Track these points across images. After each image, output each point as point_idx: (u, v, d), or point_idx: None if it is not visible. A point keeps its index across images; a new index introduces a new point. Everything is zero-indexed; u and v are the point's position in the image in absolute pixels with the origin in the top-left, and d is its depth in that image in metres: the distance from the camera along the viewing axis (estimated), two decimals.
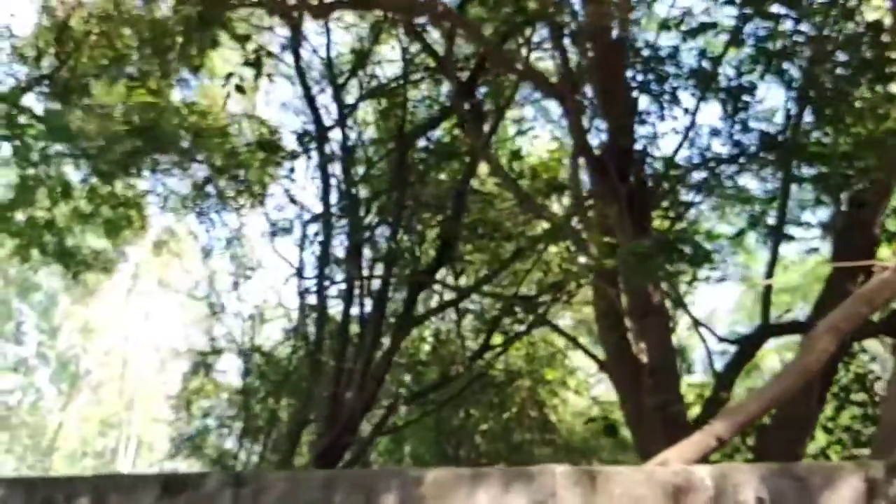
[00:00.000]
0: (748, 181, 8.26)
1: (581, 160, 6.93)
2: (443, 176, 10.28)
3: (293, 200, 11.06)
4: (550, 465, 4.55)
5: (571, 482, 4.40)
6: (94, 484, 4.76)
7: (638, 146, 6.89)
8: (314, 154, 11.46)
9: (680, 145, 7.01)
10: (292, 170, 11.59)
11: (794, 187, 8.33)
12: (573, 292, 9.81)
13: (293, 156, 11.64)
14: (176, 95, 13.07)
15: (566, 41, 7.30)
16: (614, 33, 6.95)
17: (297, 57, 11.01)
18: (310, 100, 10.90)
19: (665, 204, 7.26)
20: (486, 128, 8.81)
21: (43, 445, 36.79)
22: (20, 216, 12.80)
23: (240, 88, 11.80)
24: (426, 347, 11.43)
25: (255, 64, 11.90)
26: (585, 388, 15.90)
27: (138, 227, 13.34)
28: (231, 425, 13.65)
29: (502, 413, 13.39)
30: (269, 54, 11.54)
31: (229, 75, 11.34)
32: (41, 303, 31.55)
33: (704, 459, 4.63)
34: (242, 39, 11.53)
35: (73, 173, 13.22)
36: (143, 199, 13.35)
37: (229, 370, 14.44)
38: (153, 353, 42.65)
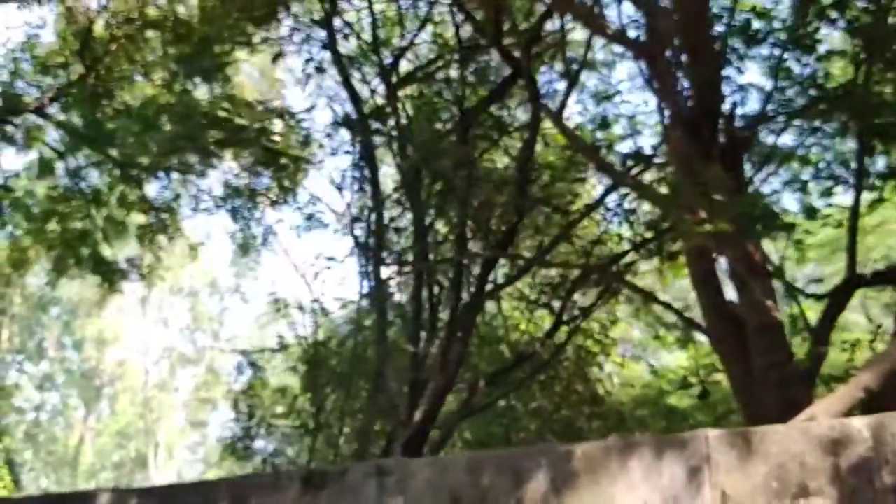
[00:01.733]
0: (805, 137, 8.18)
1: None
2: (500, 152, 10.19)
3: (339, 188, 10.81)
4: (702, 430, 4.48)
5: (726, 445, 4.34)
6: (232, 486, 4.68)
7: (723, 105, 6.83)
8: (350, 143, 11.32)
9: (767, 101, 6.92)
10: (333, 152, 11.39)
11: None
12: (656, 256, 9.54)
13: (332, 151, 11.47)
14: (202, 93, 12.89)
15: None
16: None
17: (333, 40, 10.80)
18: (347, 82, 10.66)
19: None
20: (557, 99, 8.74)
21: (66, 460, 36.66)
22: (54, 228, 12.69)
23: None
24: (497, 326, 11.32)
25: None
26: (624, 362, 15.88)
27: (172, 231, 13.19)
28: (282, 424, 13.54)
29: (551, 389, 13.29)
30: (304, 40, 11.34)
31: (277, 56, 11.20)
32: (61, 317, 31.40)
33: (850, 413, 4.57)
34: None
35: (99, 181, 13.10)
36: (175, 203, 13.20)
37: (277, 368, 14.30)
38: (166, 359, 42.62)
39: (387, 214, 10.40)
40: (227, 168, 13.34)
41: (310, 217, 13.40)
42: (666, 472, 4.37)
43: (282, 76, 16.18)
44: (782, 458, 4.28)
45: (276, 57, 12.37)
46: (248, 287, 41.63)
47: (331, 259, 10.86)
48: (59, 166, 12.56)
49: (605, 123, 9.11)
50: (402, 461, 4.73)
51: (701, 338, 15.09)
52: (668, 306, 9.30)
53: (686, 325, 9.30)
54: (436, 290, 9.84)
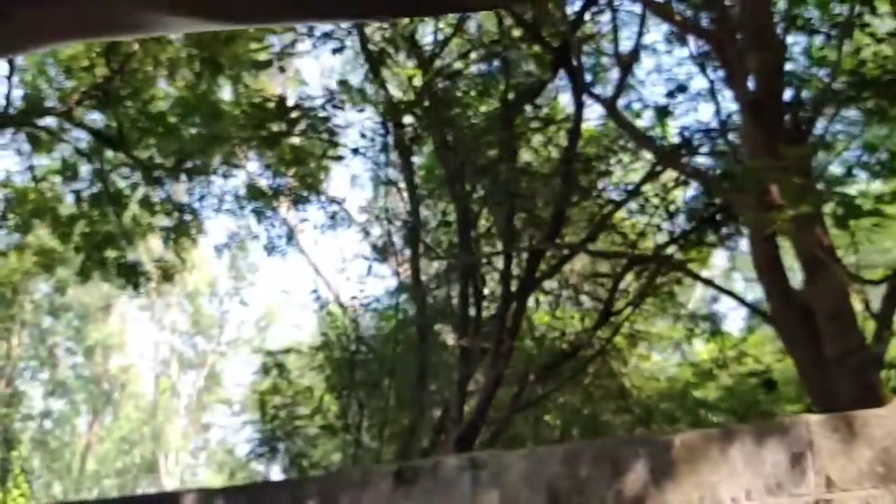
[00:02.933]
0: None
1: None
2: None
3: (380, 182, 10.73)
4: (803, 415, 4.43)
5: (828, 430, 4.29)
6: (321, 484, 4.61)
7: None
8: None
9: (831, 83, 6.87)
10: (355, 151, 11.30)
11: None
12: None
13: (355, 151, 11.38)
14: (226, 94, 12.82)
15: None
16: None
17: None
18: (378, 74, 10.55)
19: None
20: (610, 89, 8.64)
21: (73, 467, 36.52)
22: (80, 230, 12.60)
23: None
24: (544, 318, 11.25)
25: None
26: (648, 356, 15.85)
27: (196, 232, 13.12)
28: (309, 425, 13.47)
29: (577, 383, 13.22)
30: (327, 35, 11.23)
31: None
32: (71, 323, 31.27)
33: None
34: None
35: (123, 183, 13.01)
36: (198, 203, 13.13)
37: (300, 369, 14.23)
38: (168, 364, 42.50)
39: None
40: (251, 167, 13.30)
41: (333, 216, 13.37)
42: (768, 459, 4.31)
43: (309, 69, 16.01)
44: (887, 441, 4.23)
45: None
46: (247, 290, 41.54)
47: (362, 257, 10.82)
48: (84, 169, 12.48)
49: (664, 112, 9.02)
50: (497, 454, 4.65)
51: (729, 328, 15.10)
52: (730, 293, 9.25)
53: (750, 312, 9.19)
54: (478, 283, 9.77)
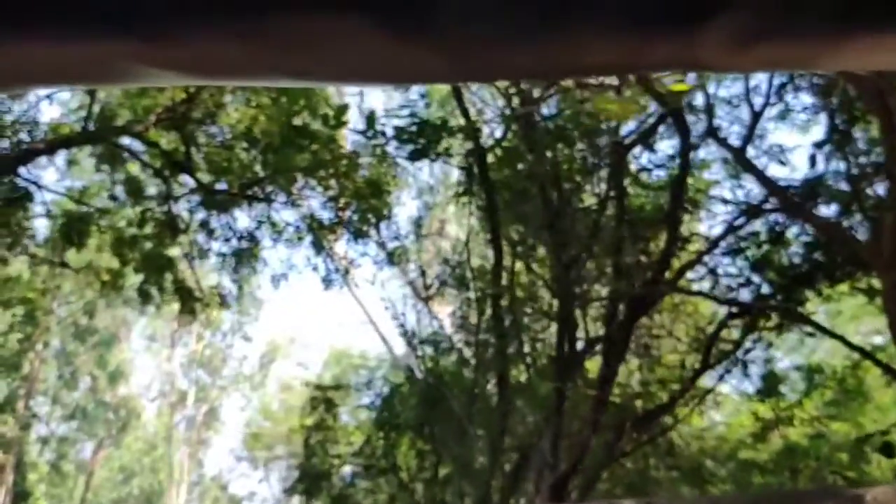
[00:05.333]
0: None
1: None
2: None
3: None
4: None
5: None
6: None
7: None
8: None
9: None
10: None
11: None
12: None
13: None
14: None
15: None
16: None
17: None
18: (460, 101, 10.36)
19: None
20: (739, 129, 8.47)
21: (75, 495, 35.85)
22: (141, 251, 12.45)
23: None
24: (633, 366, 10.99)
25: None
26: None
27: (255, 259, 12.95)
28: (355, 463, 13.21)
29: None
30: None
31: None
32: (97, 347, 30.92)
33: None
34: None
35: (185, 206, 12.89)
36: (256, 232, 12.98)
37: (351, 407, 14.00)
38: (169, 396, 42.00)
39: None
40: (310, 194, 13.16)
41: (391, 254, 13.23)
42: None
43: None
44: None
45: None
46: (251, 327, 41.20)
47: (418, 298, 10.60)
48: (151, 190, 12.38)
49: (812, 161, 8.79)
50: (677, 500, 4.46)
51: (784, 390, 14.81)
52: (855, 347, 9.04)
53: (882, 369, 8.93)
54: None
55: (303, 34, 0.96)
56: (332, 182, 12.66)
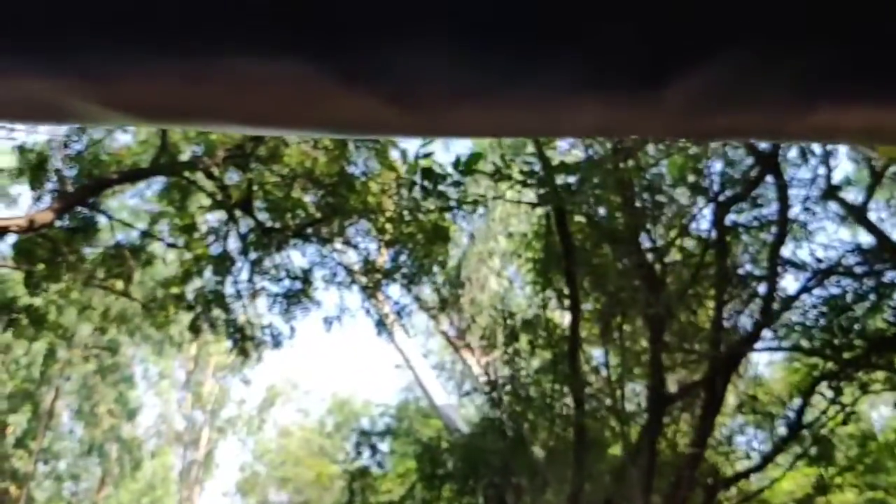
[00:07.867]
0: None
1: None
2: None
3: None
4: None
5: None
6: None
7: None
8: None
9: None
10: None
11: None
12: None
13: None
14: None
15: None
16: None
17: None
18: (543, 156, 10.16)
19: None
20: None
21: None
22: (190, 290, 12.39)
23: None
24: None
25: None
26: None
27: (309, 300, 12.84)
28: None
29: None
30: None
31: None
32: (119, 383, 30.64)
33: None
34: None
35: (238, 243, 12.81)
36: (310, 273, 12.89)
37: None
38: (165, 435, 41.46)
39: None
40: (363, 236, 13.08)
41: (444, 302, 13.12)
42: None
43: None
44: None
45: None
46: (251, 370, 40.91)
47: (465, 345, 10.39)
48: (206, 225, 12.32)
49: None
50: None
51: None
52: None
53: None
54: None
55: (242, 77, 0.91)
56: (389, 226, 12.60)
